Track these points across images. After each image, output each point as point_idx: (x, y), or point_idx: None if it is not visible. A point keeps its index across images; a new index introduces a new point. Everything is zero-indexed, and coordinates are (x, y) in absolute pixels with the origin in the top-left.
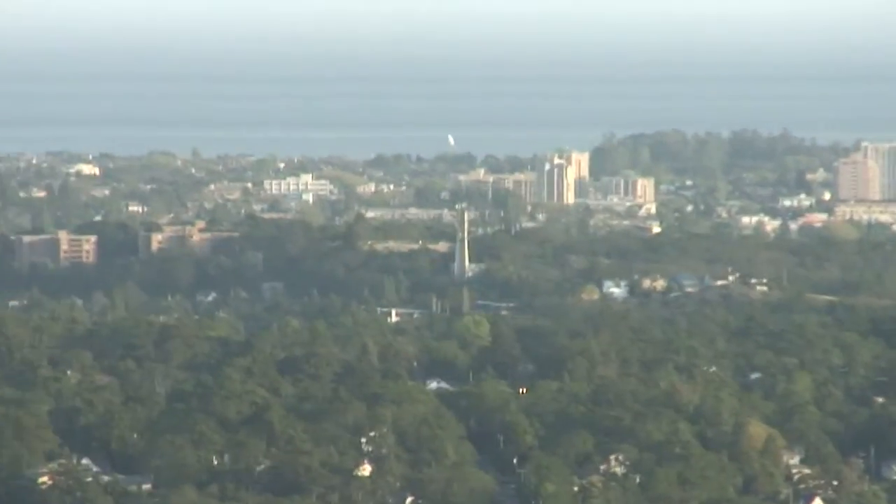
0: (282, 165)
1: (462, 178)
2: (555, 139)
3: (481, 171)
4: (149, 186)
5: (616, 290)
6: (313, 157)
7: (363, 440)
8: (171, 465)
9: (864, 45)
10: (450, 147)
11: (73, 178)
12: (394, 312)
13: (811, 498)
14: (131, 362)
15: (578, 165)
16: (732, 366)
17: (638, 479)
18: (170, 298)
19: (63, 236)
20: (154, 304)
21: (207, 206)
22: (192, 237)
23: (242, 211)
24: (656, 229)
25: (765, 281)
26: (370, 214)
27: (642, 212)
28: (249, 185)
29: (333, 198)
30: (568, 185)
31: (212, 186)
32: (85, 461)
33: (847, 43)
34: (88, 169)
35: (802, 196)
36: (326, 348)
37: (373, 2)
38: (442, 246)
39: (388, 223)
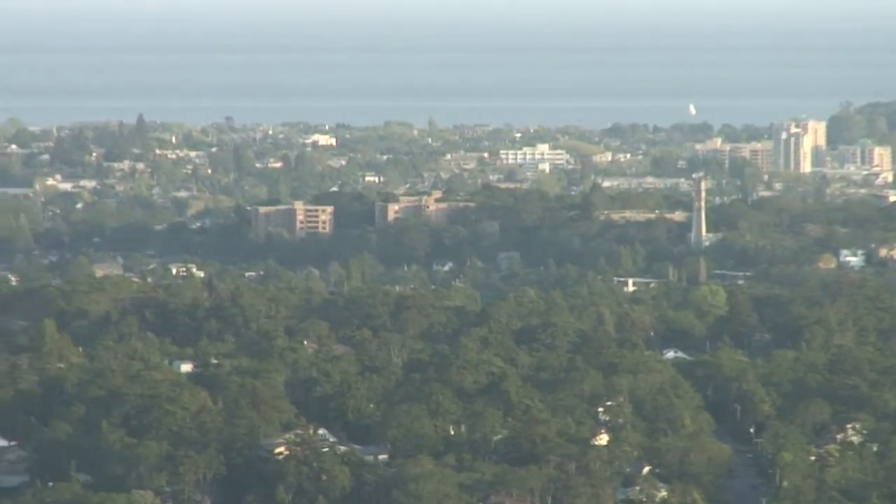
0: (518, 135)
1: (699, 147)
2: (792, 108)
3: (718, 141)
4: (385, 156)
5: (853, 258)
6: (550, 126)
7: (600, 409)
8: (408, 435)
9: None
10: (687, 116)
11: (309, 149)
12: (630, 282)
13: None
14: (368, 332)
15: (815, 134)
16: None
17: (875, 448)
18: (406, 268)
19: (299, 207)
20: (390, 275)
21: (443, 175)
22: (428, 207)
23: (479, 181)
24: (893, 198)
25: None
26: (606, 184)
27: (879, 180)
28: (486, 154)
29: (570, 167)
30: (804, 153)
31: (448, 156)
32: (321, 431)
33: None
34: (325, 139)
35: None
36: (563, 318)
37: None
38: (678, 215)
39: (624, 192)
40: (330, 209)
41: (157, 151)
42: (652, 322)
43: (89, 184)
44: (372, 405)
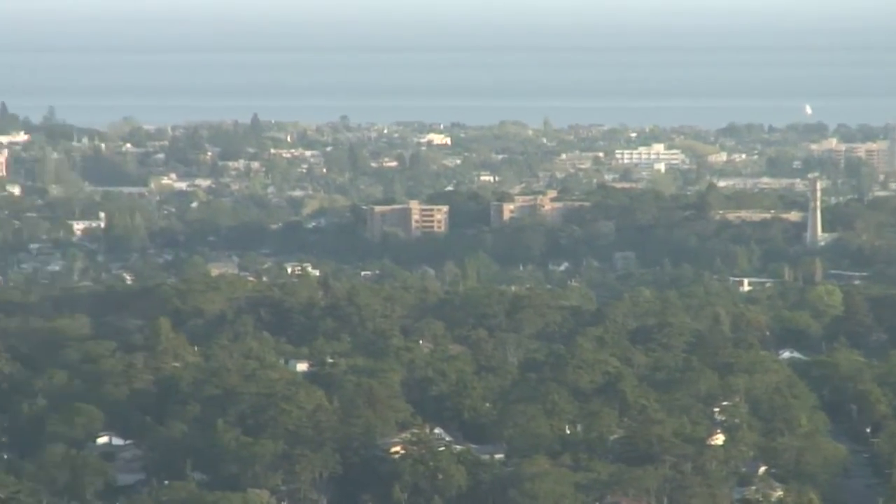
0: (633, 135)
1: (814, 147)
2: None
3: (833, 141)
4: (500, 156)
5: None
6: (665, 126)
7: (716, 409)
8: (524, 435)
9: None
10: (803, 116)
11: (424, 148)
12: (746, 282)
13: None
14: (483, 332)
15: None
16: None
17: None
18: (521, 268)
19: (414, 206)
20: (505, 274)
21: (559, 175)
22: (543, 207)
23: (594, 180)
24: None
25: None
26: (722, 184)
27: None
28: (601, 154)
29: (685, 167)
30: None
31: (563, 156)
32: (437, 430)
33: None
34: (440, 139)
35: None
36: (678, 318)
37: None
38: (794, 215)
39: (739, 192)
40: (445, 208)
41: (272, 150)
42: (767, 322)
43: (204, 182)
44: (488, 404)
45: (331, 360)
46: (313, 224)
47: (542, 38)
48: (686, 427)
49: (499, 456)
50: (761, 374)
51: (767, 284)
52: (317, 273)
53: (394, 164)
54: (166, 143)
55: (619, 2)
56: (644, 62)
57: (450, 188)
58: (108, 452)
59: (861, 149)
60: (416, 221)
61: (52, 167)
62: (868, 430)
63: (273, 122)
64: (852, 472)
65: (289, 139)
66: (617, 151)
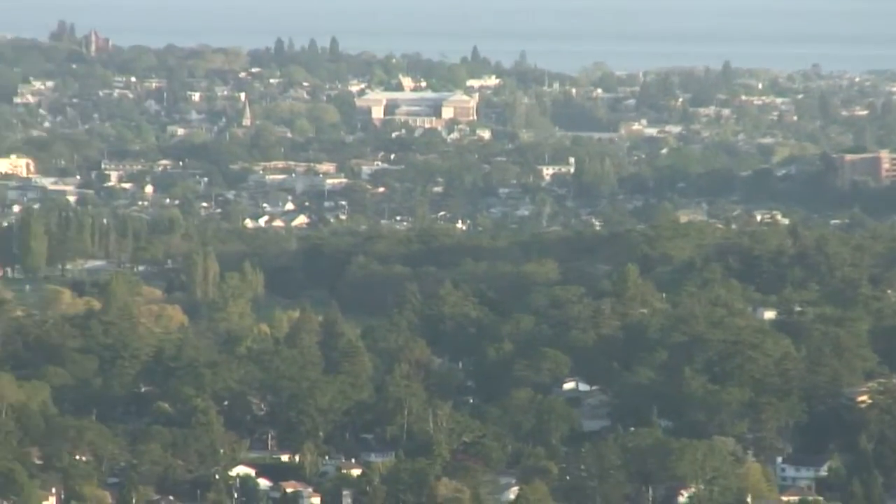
0: None
1: None
2: None
3: None
4: None
5: None
6: None
7: None
8: None
9: None
10: None
11: (895, 97)
12: None
13: None
14: None
15: None
16: None
17: None
18: None
19: (884, 155)
20: None
21: None
22: None
23: None
24: None
25: None
26: None
27: None
28: None
29: None
30: None
31: None
32: None
33: None
34: None
35: None
36: None
37: None
38: None
39: None
40: None
41: (743, 97)
42: None
43: (674, 129)
44: None
45: (799, 309)
46: (783, 172)
47: None
48: None
49: None
50: None
51: None
52: (786, 221)
53: (864, 112)
54: (637, 88)
55: None
56: None
57: None
58: (574, 398)
59: None
60: (887, 170)
61: (523, 112)
62: None
63: (744, 69)
64: None
65: (760, 86)
66: None
